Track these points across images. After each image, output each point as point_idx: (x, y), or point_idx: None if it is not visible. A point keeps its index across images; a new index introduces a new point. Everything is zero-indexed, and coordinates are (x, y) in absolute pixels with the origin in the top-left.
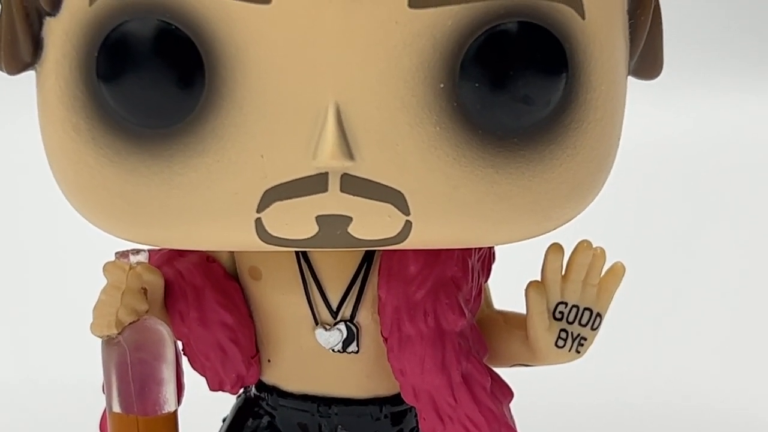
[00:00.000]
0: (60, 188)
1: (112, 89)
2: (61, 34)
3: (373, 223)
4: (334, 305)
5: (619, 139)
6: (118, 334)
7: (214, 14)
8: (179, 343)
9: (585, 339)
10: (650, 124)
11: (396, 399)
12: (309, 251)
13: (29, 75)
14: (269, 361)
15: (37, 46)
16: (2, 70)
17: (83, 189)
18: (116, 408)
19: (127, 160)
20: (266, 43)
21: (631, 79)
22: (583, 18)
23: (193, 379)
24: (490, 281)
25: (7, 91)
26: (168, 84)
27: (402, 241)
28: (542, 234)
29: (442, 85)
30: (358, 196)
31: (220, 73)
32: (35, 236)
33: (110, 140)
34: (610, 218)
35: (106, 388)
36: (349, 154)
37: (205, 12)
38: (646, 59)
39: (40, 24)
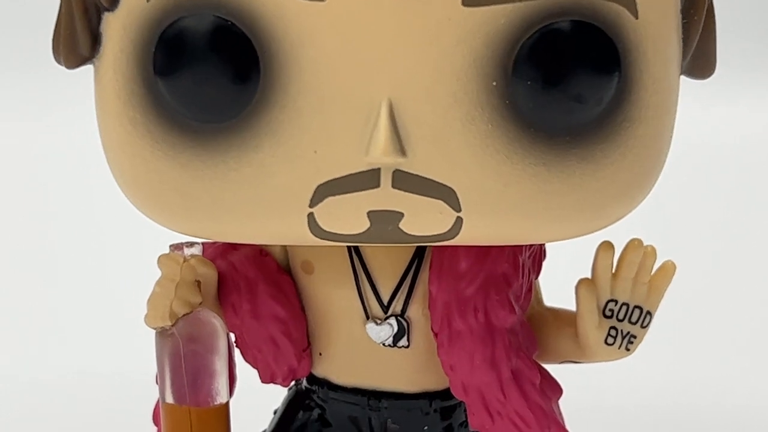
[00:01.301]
0: (116, 181)
1: (169, 84)
2: (119, 29)
3: (424, 219)
4: (386, 300)
5: (671, 137)
6: (172, 325)
7: (269, 11)
8: (232, 336)
9: (635, 337)
10: (702, 123)
11: (445, 394)
12: (361, 246)
13: (87, 69)
14: (320, 354)
15: (95, 40)
16: (61, 64)
17: (139, 182)
18: (169, 399)
19: (182, 154)
20: (321, 40)
21: (683, 79)
22: (636, 17)
23: (245, 372)
24: (540, 278)
25: (65, 86)
26: (224, 79)
27: (453, 238)
28: (593, 232)
29: (494, 83)
30: (409, 192)
31: (275, 68)
32: (91, 229)
33: (166, 134)
34: (661, 216)
35: (160, 380)
36: (402, 151)
37: (261, 8)
38: (699, 58)
39: (99, 19)
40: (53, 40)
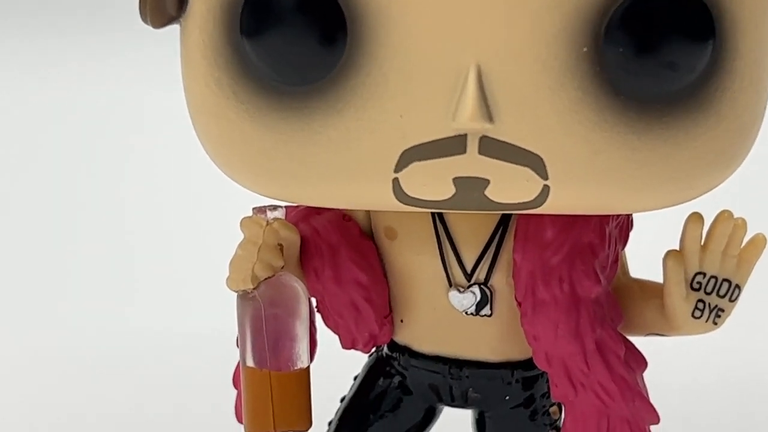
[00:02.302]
0: (201, 143)
1: (255, 45)
2: None
3: (510, 187)
4: (469, 268)
5: (765, 107)
6: (254, 289)
7: None
8: (313, 300)
9: (722, 310)
10: None
11: (528, 364)
12: (445, 213)
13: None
14: (402, 321)
15: None
16: (147, 23)
17: (223, 144)
18: (250, 362)
19: (267, 116)
20: (409, 3)
21: None
22: None
23: (327, 337)
24: (627, 249)
25: (149, 47)
26: (310, 41)
27: (539, 206)
28: (683, 202)
29: (585, 49)
30: (496, 158)
31: (362, 31)
32: (174, 192)
33: (251, 96)
34: (752, 188)
35: (240, 342)
36: (489, 117)
37: None
38: None
39: None
40: None
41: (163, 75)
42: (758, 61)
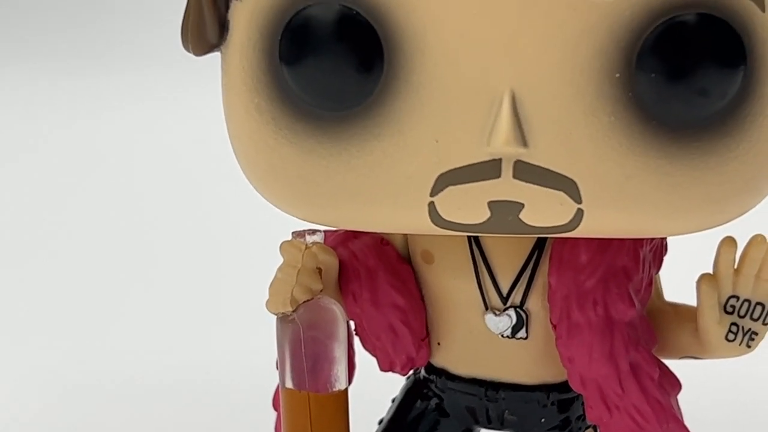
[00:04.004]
0: (241, 168)
1: (294, 72)
2: (247, 16)
3: (544, 210)
4: (505, 291)
5: None
6: (293, 311)
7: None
8: (352, 323)
9: (756, 334)
10: None
11: (563, 386)
12: (481, 237)
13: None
14: (439, 344)
15: (223, 28)
16: (189, 51)
17: (262, 169)
18: (289, 384)
19: (305, 141)
20: (444, 29)
21: None
22: (764, 11)
23: (365, 360)
24: (661, 273)
25: (191, 74)
26: (348, 68)
27: (573, 229)
28: (715, 226)
29: (618, 75)
30: (530, 183)
31: (398, 57)
32: (217, 216)
33: (290, 121)
34: None
35: (280, 365)
36: (523, 141)
37: None
38: None
39: (227, 6)
40: (182, 27)
41: (199, 102)
42: None
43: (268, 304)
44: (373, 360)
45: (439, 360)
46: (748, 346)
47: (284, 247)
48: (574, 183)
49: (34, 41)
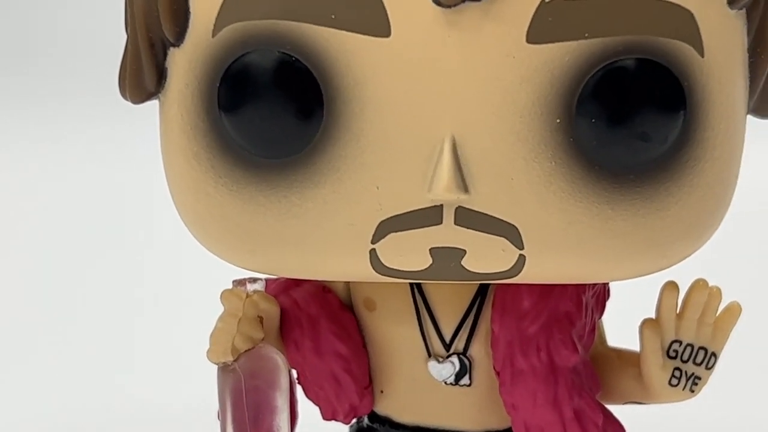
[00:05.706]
0: (180, 216)
1: (233, 119)
2: (185, 64)
3: (486, 257)
4: (448, 338)
5: (737, 177)
6: (234, 361)
7: (333, 46)
8: (294, 372)
9: (699, 378)
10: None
11: None
12: (423, 284)
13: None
14: (382, 391)
15: (161, 75)
16: (127, 99)
17: (202, 217)
18: None
19: (245, 189)
20: (384, 76)
21: (749, 118)
22: (702, 55)
23: (308, 409)
24: (604, 318)
25: (129, 122)
26: (287, 115)
27: (515, 275)
28: (657, 271)
29: (558, 121)
30: (472, 229)
31: (339, 105)
32: (154, 264)
33: (229, 169)
34: (726, 256)
35: (221, 415)
36: (464, 188)
37: (325, 44)
38: (766, 97)
39: (164, 54)
40: (119, 75)
41: (144, 151)
42: (729, 132)
43: (209, 354)
44: (316, 409)
45: (383, 408)
46: (692, 391)
47: (225, 295)
48: (516, 229)
49: None
